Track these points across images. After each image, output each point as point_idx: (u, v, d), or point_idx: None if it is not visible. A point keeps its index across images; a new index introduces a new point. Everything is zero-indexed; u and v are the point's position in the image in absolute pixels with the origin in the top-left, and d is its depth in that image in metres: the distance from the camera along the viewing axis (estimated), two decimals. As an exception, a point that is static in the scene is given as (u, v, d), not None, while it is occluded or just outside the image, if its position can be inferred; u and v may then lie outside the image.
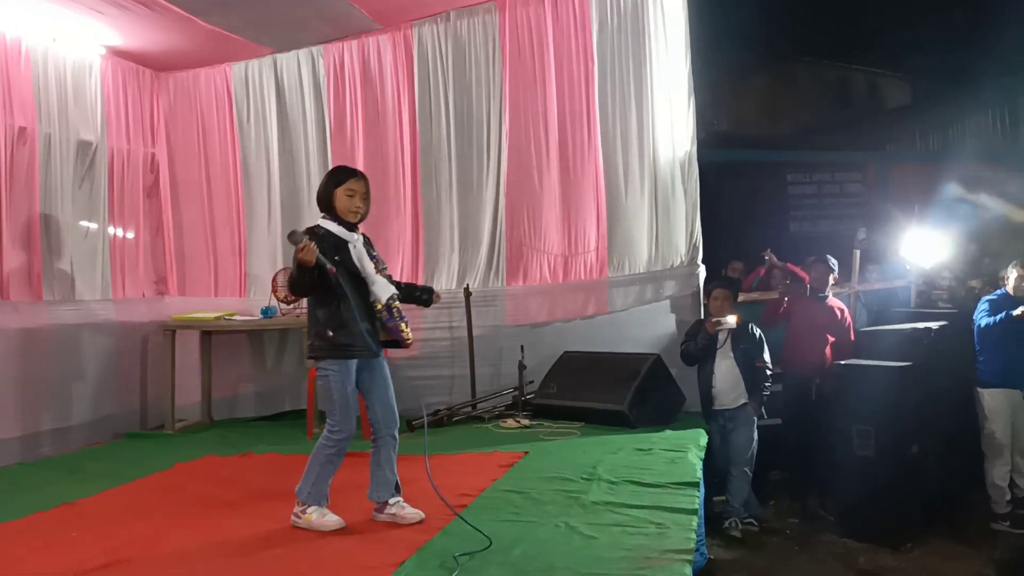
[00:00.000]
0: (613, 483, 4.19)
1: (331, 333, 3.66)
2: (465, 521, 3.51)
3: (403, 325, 3.79)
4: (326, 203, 3.79)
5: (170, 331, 6.65)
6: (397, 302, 3.80)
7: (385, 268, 3.87)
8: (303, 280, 3.59)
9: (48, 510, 4.30)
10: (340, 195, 3.75)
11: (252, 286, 7.30)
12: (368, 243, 3.87)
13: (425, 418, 4.62)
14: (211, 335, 6.99)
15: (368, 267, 3.74)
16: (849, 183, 12.52)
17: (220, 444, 5.98)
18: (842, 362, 5.59)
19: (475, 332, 6.47)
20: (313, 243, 3.54)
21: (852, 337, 6.05)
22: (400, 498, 3.80)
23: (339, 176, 3.81)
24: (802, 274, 6.81)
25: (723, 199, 9.04)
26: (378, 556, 3.31)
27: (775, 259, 7.42)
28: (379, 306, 3.72)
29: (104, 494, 4.64)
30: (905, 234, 7.08)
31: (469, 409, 6.30)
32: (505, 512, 3.78)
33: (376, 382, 3.80)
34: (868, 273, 7.72)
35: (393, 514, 3.75)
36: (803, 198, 12.24)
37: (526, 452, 5.02)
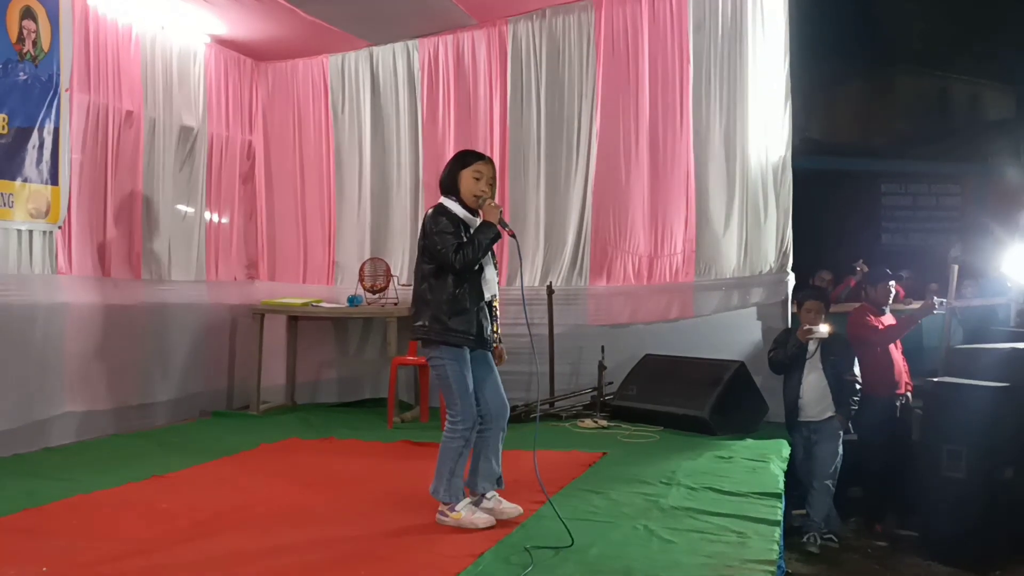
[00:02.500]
0: (693, 489, 4.14)
1: (448, 317, 3.58)
2: (557, 514, 3.47)
3: (495, 326, 3.76)
4: (450, 185, 3.71)
5: (259, 315, 6.83)
6: (496, 301, 3.76)
7: (496, 262, 3.82)
8: (485, 244, 3.54)
9: (139, 481, 4.46)
10: (466, 177, 3.67)
11: (339, 274, 7.43)
12: None
13: (538, 411, 4.61)
14: (298, 320, 7.15)
15: (488, 258, 3.68)
16: (946, 196, 12.13)
17: (303, 427, 6.11)
18: (934, 379, 5.40)
19: (556, 330, 6.46)
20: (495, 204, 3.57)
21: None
22: (497, 493, 3.74)
23: (467, 158, 3.74)
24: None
25: (813, 207, 8.84)
26: (457, 546, 3.34)
27: (867, 269, 7.23)
28: (488, 298, 3.68)
29: (192, 468, 4.80)
30: (1007, 250, 6.81)
31: (547, 407, 6.30)
32: (582, 511, 3.77)
33: (487, 372, 3.73)
34: (964, 289, 7.46)
35: (490, 508, 3.68)
36: (897, 209, 11.90)
37: (604, 453, 5.00)
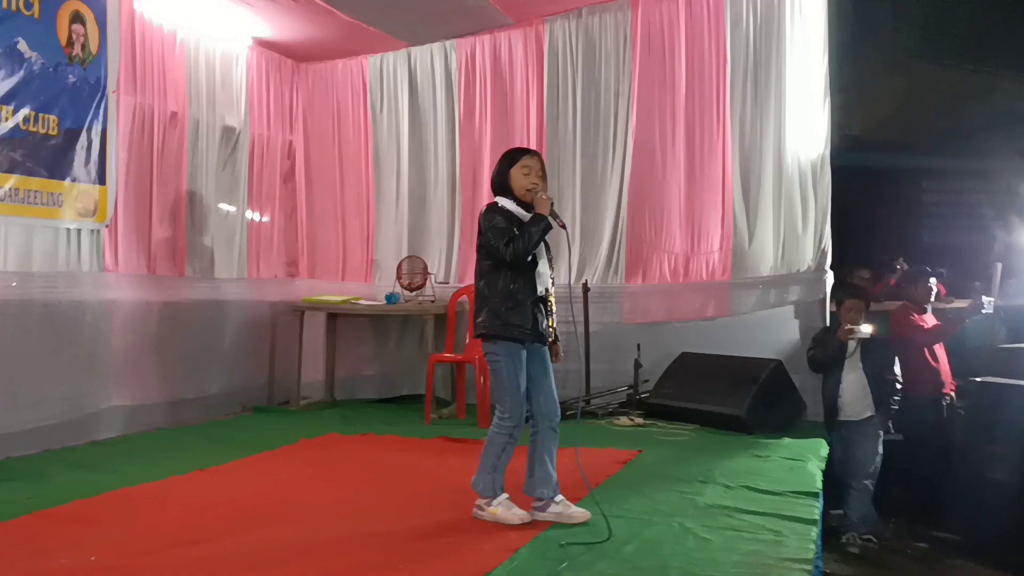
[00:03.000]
0: (729, 487, 4.14)
1: (505, 311, 3.60)
2: (599, 507, 3.50)
3: (551, 320, 3.76)
4: (501, 185, 3.74)
5: (299, 312, 6.94)
6: (552, 296, 3.77)
7: (551, 257, 3.81)
8: (536, 235, 3.57)
9: (183, 474, 4.56)
10: (516, 174, 3.70)
11: (377, 272, 7.52)
12: None
13: (580, 409, 4.61)
14: (337, 317, 7.25)
15: (540, 252, 3.69)
16: (990, 193, 11.90)
17: (342, 422, 6.20)
18: (978, 379, 5.34)
19: (592, 328, 6.47)
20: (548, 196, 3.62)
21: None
22: (564, 497, 3.71)
23: (513, 156, 3.77)
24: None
25: (854, 205, 8.75)
26: (493, 541, 3.38)
27: (906, 268, 7.14)
28: (541, 292, 3.68)
29: (234, 462, 4.89)
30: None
31: (583, 404, 6.32)
32: (617, 508, 3.77)
33: (540, 371, 3.72)
34: (1008, 287, 7.33)
35: (559, 512, 3.65)
36: (939, 206, 11.71)
37: (640, 451, 5.00)
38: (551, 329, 3.79)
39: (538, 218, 3.60)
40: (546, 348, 3.78)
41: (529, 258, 3.62)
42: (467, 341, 6.63)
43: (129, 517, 3.75)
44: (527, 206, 3.69)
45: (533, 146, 6.88)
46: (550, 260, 3.80)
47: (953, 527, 5.38)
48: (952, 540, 5.29)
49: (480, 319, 3.68)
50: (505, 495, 3.68)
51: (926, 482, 5.61)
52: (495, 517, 3.62)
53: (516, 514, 3.62)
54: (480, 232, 3.69)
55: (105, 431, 5.59)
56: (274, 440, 5.47)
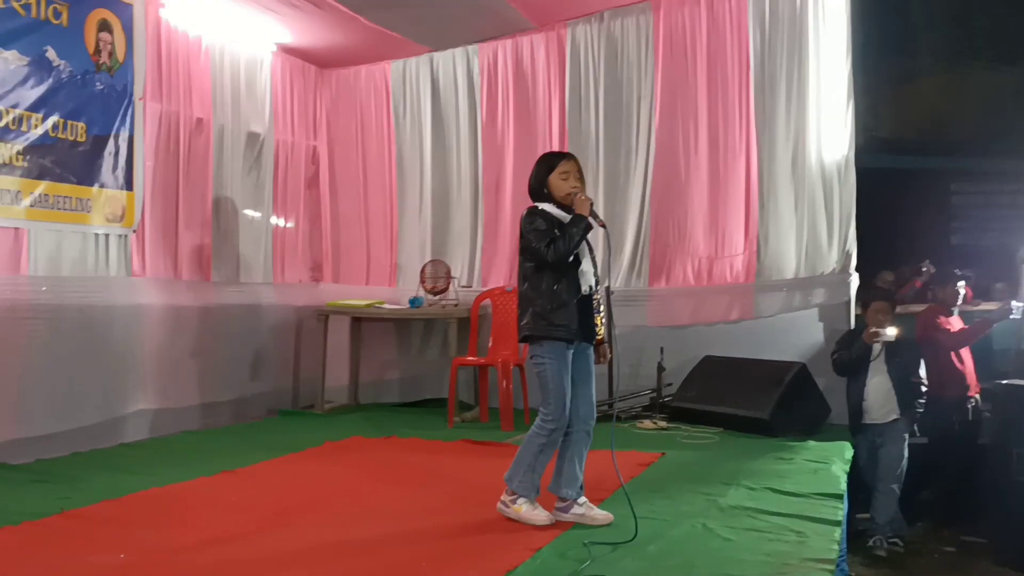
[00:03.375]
0: (752, 489, 4.13)
1: (550, 312, 3.60)
2: (629, 503, 3.51)
3: (598, 319, 3.75)
4: (539, 190, 3.75)
5: (324, 316, 6.99)
6: (598, 294, 3.76)
7: (595, 256, 3.80)
8: (576, 236, 3.58)
9: (211, 476, 4.60)
10: (554, 180, 3.70)
11: (401, 276, 7.55)
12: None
13: (615, 411, 4.57)
14: (361, 321, 7.29)
15: (583, 251, 3.69)
16: (1020, 194, 11.76)
17: (366, 425, 6.23)
18: (1004, 382, 5.29)
19: (615, 331, 6.47)
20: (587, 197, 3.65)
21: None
22: (587, 499, 3.72)
23: (551, 161, 3.78)
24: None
25: (881, 207, 8.68)
26: (517, 540, 3.39)
27: (933, 271, 7.08)
28: (585, 290, 3.67)
29: (260, 464, 4.93)
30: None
31: (606, 408, 6.31)
32: (640, 509, 3.74)
33: (585, 376, 3.72)
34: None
35: (581, 514, 3.65)
36: (969, 208, 11.59)
37: (663, 453, 5.00)
38: (598, 327, 3.76)
39: (578, 219, 3.61)
40: (591, 348, 3.77)
41: (571, 258, 3.63)
42: (490, 344, 6.65)
43: (158, 517, 3.80)
44: (567, 209, 3.70)
45: (556, 149, 6.90)
46: (594, 259, 3.79)
47: (980, 531, 5.33)
48: (979, 544, 5.24)
49: (524, 321, 3.68)
50: (534, 496, 3.66)
51: (953, 485, 5.56)
52: (518, 515, 3.63)
53: (540, 515, 3.63)
54: (521, 236, 3.70)
55: (134, 434, 5.66)
56: (300, 443, 5.50)
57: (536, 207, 3.73)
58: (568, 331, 3.62)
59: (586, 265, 3.71)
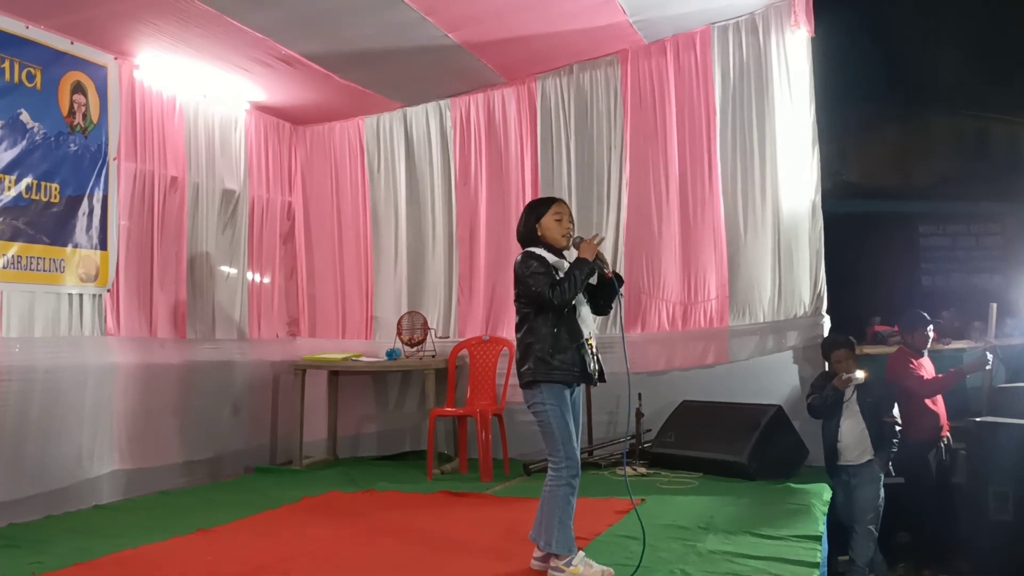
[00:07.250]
0: (731, 533, 4.14)
1: (551, 356, 3.58)
2: (641, 526, 3.50)
3: (594, 361, 3.74)
4: (530, 236, 3.77)
5: (300, 371, 6.96)
6: (592, 339, 3.76)
7: (586, 301, 3.79)
8: (580, 279, 3.58)
9: (186, 536, 4.54)
10: (549, 223, 3.73)
11: (378, 329, 7.55)
12: None
13: (624, 455, 4.54)
14: (338, 375, 7.26)
15: (580, 298, 3.69)
16: (986, 235, 11.98)
17: (344, 481, 6.17)
18: (977, 419, 5.34)
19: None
20: (597, 240, 3.66)
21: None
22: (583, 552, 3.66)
23: (540, 207, 3.80)
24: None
25: (851, 250, 8.81)
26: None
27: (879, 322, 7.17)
28: (586, 335, 3.68)
29: (237, 522, 4.88)
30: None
31: (585, 455, 6.30)
32: (620, 557, 3.77)
33: (573, 416, 3.71)
34: (1006, 327, 7.35)
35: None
36: (936, 250, 11.78)
37: (642, 499, 4.99)
38: (596, 369, 3.75)
39: (582, 262, 3.62)
40: (580, 395, 3.78)
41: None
42: (468, 395, 6.64)
43: (130, 579, 3.75)
44: (558, 252, 3.75)
45: (528, 200, 6.98)
46: (592, 305, 3.79)
47: (959, 569, 5.33)
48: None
49: (525, 367, 3.65)
50: (581, 552, 3.60)
51: (931, 525, 5.57)
52: None
53: (597, 570, 3.53)
54: (517, 281, 3.70)
55: (109, 495, 5.58)
56: (277, 500, 5.46)
57: (530, 251, 3.73)
58: (570, 374, 3.62)
59: (584, 311, 3.72)
